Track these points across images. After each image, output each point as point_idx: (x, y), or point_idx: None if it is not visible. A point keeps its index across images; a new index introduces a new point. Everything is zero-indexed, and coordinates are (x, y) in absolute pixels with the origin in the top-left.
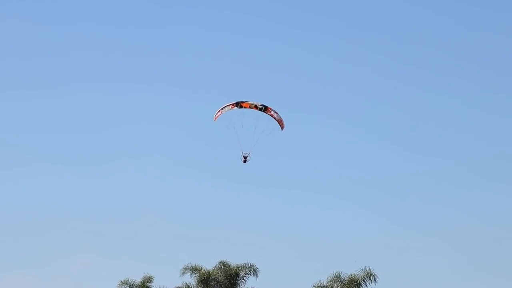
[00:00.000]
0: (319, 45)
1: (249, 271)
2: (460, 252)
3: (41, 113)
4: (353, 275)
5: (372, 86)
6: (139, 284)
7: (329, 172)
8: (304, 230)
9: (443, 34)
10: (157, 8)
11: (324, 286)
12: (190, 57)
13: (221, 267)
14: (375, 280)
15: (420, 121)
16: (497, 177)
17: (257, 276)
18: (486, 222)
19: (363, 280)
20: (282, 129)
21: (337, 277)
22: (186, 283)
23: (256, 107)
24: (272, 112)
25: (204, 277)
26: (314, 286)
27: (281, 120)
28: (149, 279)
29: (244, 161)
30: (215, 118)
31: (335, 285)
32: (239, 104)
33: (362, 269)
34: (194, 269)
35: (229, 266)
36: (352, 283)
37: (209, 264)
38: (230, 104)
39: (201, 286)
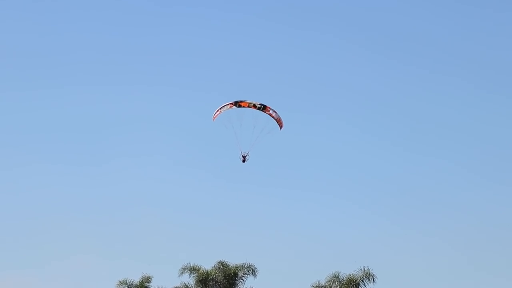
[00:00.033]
0: (319, 45)
1: (248, 271)
2: (460, 252)
3: (41, 113)
4: (351, 275)
5: (372, 86)
6: (138, 284)
7: (329, 172)
8: (303, 230)
9: (443, 34)
10: (157, 8)
11: (322, 286)
12: (190, 57)
13: (220, 267)
14: (373, 280)
15: (420, 121)
16: (497, 177)
17: (255, 276)
18: (486, 222)
19: (362, 280)
20: (280, 128)
21: (336, 277)
22: (185, 283)
23: (254, 106)
24: (270, 111)
25: (202, 277)
26: (312, 286)
27: (279, 119)
28: (147, 279)
29: (243, 161)
30: (214, 117)
31: (334, 285)
32: (237, 103)
33: (361, 269)
34: (193, 269)
35: (228, 266)
36: (351, 283)
37: (207, 264)
38: (228, 104)
39: (199, 286)
